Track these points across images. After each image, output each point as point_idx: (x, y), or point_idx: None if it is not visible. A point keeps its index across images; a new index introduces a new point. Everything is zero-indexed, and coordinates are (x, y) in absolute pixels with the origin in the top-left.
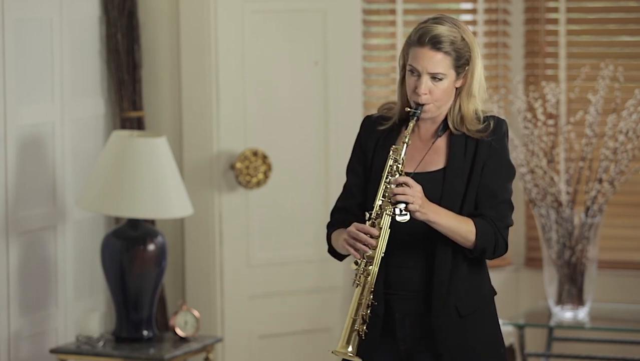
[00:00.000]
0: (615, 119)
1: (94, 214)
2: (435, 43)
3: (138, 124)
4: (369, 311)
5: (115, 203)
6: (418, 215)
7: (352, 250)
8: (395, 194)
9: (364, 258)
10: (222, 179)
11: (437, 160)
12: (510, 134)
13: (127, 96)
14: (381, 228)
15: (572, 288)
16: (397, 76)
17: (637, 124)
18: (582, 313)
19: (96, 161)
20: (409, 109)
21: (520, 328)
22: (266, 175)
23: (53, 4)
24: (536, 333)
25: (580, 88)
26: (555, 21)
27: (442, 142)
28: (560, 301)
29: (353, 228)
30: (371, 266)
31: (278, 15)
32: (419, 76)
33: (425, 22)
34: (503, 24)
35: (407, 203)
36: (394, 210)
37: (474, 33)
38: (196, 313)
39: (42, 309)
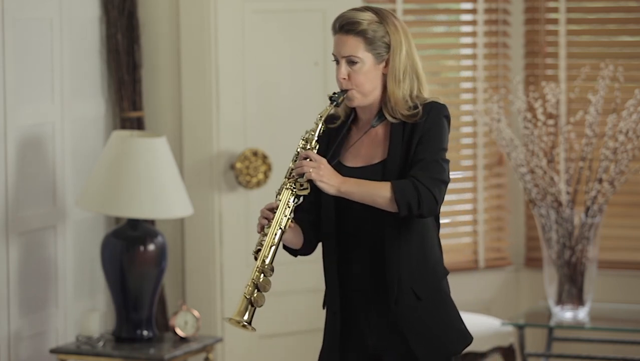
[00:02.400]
0: (615, 119)
1: (94, 214)
2: (344, 26)
3: (138, 124)
4: (261, 275)
5: (115, 203)
6: (323, 186)
7: (258, 227)
8: (296, 169)
9: (263, 231)
10: (222, 179)
11: (379, 153)
12: (510, 134)
13: (127, 96)
14: (280, 201)
15: (572, 288)
16: None
17: (637, 124)
18: (582, 313)
19: (96, 161)
20: (329, 94)
21: (520, 328)
22: (266, 175)
23: (53, 4)
24: (536, 333)
25: (580, 88)
26: (555, 21)
27: (383, 133)
28: (560, 301)
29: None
30: (266, 237)
31: (278, 15)
32: (339, 63)
33: None
34: (503, 24)
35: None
36: (294, 184)
37: (474, 33)
38: (196, 313)
39: (42, 309)
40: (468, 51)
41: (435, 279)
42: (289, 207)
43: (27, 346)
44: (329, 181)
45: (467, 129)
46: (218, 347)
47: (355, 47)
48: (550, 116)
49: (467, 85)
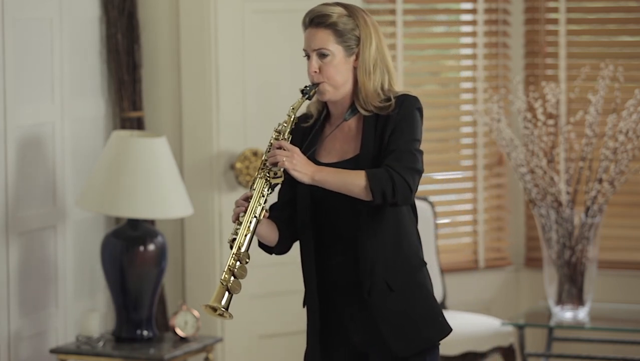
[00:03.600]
0: (615, 119)
1: (94, 214)
2: (313, 20)
3: (138, 124)
4: (237, 262)
5: (115, 203)
6: (296, 175)
7: (233, 217)
8: (270, 158)
9: (238, 220)
10: (222, 179)
11: (352, 147)
12: (510, 134)
13: (127, 96)
14: (254, 190)
15: (572, 288)
16: None
17: (637, 124)
18: (582, 313)
19: (96, 161)
20: (300, 88)
21: (520, 328)
22: None
23: (53, 4)
24: (536, 333)
25: (580, 88)
26: (555, 21)
27: (356, 127)
28: (560, 301)
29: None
30: (240, 227)
31: (278, 15)
32: (310, 57)
33: None
34: (503, 24)
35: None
36: (268, 173)
37: (474, 33)
38: (196, 313)
39: (42, 309)
40: (468, 51)
41: (410, 270)
42: (263, 196)
43: (27, 346)
44: (302, 169)
45: (467, 129)
46: (218, 347)
47: (326, 39)
48: (550, 116)
49: (467, 85)
